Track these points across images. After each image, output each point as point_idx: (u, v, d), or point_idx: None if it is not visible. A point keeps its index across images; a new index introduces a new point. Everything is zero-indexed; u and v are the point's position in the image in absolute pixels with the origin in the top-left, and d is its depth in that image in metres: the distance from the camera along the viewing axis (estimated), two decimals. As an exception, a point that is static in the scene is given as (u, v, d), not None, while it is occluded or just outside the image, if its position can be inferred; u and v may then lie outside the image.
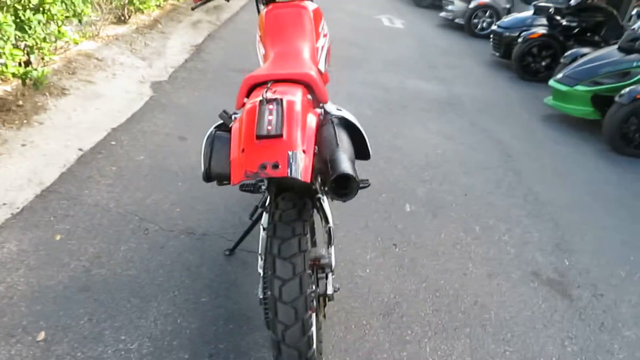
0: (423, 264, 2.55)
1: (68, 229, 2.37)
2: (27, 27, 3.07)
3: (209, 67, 5.05)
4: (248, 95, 1.53)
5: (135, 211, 2.58)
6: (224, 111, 1.51)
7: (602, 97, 4.79)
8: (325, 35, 2.26)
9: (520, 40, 6.48)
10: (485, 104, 5.42)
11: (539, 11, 6.94)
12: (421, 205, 3.12)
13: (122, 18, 5.63)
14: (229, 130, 1.49)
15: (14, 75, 3.12)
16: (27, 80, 3.27)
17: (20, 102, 3.45)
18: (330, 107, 1.59)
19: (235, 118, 1.49)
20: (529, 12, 7.21)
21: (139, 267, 2.20)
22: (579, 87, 4.85)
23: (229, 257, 2.35)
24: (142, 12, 5.74)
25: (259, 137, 1.24)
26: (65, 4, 3.47)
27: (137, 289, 2.08)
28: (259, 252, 1.69)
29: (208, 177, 1.47)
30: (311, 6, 2.24)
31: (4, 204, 2.49)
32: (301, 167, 1.22)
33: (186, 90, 4.35)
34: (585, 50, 5.65)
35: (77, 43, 3.82)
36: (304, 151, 1.26)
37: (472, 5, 8.96)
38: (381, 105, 4.77)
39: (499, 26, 7.17)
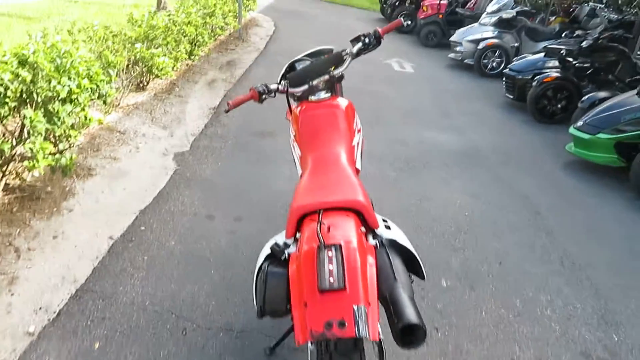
0: (468, 351, 2.47)
1: (106, 335, 2.33)
2: (56, 119, 3.12)
3: (229, 132, 5.09)
4: (298, 226, 1.50)
5: (172, 307, 2.55)
6: (276, 243, 1.49)
7: (627, 144, 4.74)
8: (359, 131, 2.26)
9: (534, 83, 6.49)
10: (506, 153, 5.39)
11: (550, 53, 6.96)
12: (457, 278, 3.06)
13: (141, 85, 5.73)
14: (281, 262, 1.47)
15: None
16: (56, 167, 3.29)
17: (49, 189, 3.48)
18: (381, 229, 1.56)
19: (287, 253, 1.47)
20: (539, 55, 7.24)
21: (180, 376, 2.15)
22: (602, 135, 4.81)
23: (269, 356, 2.29)
24: (160, 77, 5.85)
25: (321, 290, 1.20)
26: (91, 89, 3.53)
27: (181, 403, 2.02)
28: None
29: (262, 313, 1.44)
30: (343, 103, 2.24)
31: (40, 308, 2.47)
32: (368, 323, 1.18)
33: (209, 160, 4.37)
34: (602, 94, 5.64)
35: (101, 123, 3.87)
36: (368, 303, 1.22)
37: (480, 46, 9.03)
38: (403, 164, 4.75)
39: (510, 69, 7.19)
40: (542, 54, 7.15)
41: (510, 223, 3.83)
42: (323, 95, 2.24)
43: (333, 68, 2.30)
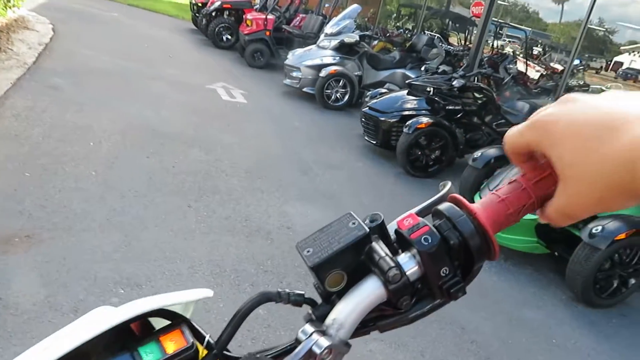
0: None
1: None
2: None
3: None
4: None
5: None
6: None
7: (548, 226, 3.69)
8: None
9: (405, 129, 5.23)
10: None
11: (414, 91, 5.83)
12: None
13: None
14: None
15: None
16: None
17: None
18: None
19: None
20: (401, 92, 6.10)
21: None
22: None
23: None
24: None
25: None
26: None
27: None
28: None
29: None
30: None
31: None
32: None
33: None
34: (492, 151, 4.60)
35: None
36: None
37: (323, 74, 7.65)
38: (274, 282, 2.90)
39: (371, 108, 5.86)
40: (405, 92, 6.01)
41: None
42: None
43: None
